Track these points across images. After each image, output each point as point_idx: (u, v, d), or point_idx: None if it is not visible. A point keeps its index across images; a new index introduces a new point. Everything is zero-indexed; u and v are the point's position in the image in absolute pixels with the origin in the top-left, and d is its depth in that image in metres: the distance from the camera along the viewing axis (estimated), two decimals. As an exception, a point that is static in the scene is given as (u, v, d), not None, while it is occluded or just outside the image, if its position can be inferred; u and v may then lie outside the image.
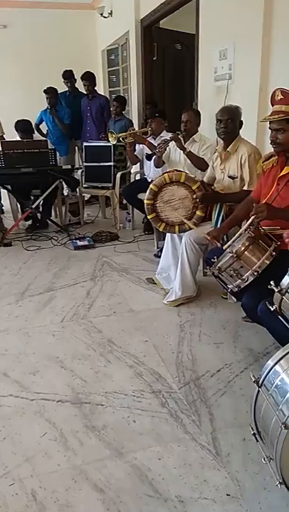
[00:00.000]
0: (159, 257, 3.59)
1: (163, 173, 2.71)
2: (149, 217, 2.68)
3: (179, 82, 6.01)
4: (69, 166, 4.35)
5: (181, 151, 3.31)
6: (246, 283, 1.91)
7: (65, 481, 1.47)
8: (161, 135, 4.03)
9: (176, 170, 2.82)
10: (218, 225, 2.60)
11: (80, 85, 5.69)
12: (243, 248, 1.89)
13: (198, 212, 2.62)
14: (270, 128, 1.98)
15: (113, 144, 4.30)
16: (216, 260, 2.15)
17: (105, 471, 1.51)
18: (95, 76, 5.37)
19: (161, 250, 3.65)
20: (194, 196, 2.59)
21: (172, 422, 1.73)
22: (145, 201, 2.64)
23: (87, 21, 8.04)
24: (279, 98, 1.93)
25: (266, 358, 2.10)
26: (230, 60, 3.46)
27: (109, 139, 4.07)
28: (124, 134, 4.01)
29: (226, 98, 3.54)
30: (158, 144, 3.46)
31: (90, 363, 2.15)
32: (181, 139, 3.37)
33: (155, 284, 3.05)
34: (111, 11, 7.03)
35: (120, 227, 4.49)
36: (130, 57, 6.07)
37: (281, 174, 2.04)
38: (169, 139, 3.35)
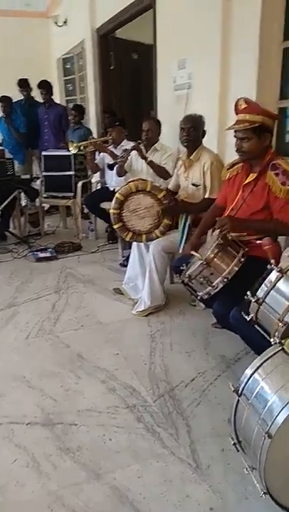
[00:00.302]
0: (125, 266, 3.56)
1: (128, 182, 2.68)
2: (115, 226, 2.63)
3: (136, 92, 6.04)
4: (28, 176, 4.23)
5: (143, 160, 3.31)
6: (216, 290, 1.90)
7: (41, 509, 1.38)
8: (121, 144, 4.01)
9: (141, 179, 2.79)
10: (185, 233, 2.60)
11: (35, 94, 5.59)
12: (212, 255, 1.89)
13: (165, 221, 2.61)
14: (235, 136, 2.00)
15: (73, 153, 4.22)
16: (184, 268, 2.14)
17: (83, 495, 1.43)
18: (52, 85, 5.28)
19: (126, 259, 3.62)
20: (158, 209, 2.58)
21: (149, 437, 1.68)
22: (111, 210, 2.60)
23: (42, 30, 7.95)
24: (243, 107, 1.95)
25: (238, 365, 2.12)
26: (189, 69, 3.50)
27: (70, 148, 3.99)
28: (84, 142, 3.96)
29: (185, 107, 3.58)
30: (120, 154, 3.44)
31: (59, 380, 2.06)
32: (143, 148, 3.37)
33: (122, 294, 3.00)
34: (66, 20, 6.99)
35: (83, 237, 4.40)
36: (87, 66, 6.03)
37: (246, 181, 2.06)
38: (130, 148, 3.34)
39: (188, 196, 2.75)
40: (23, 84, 5.39)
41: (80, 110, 5.07)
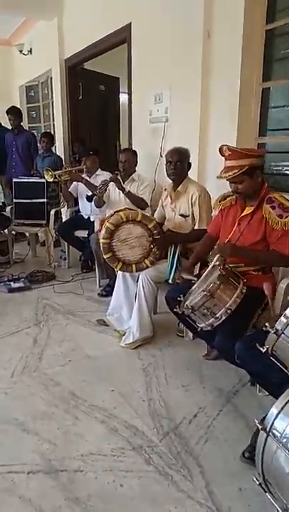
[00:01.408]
0: (104, 296, 3.50)
1: (117, 212, 2.65)
2: (105, 256, 2.58)
3: (104, 122, 6.13)
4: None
5: (121, 191, 3.34)
6: (220, 321, 1.89)
7: None
8: (96, 173, 4.01)
9: (129, 208, 2.78)
10: (174, 263, 2.60)
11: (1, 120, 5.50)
12: (215, 286, 1.89)
13: (154, 250, 2.59)
14: (228, 181, 2.06)
15: (47, 181, 4.15)
16: (181, 299, 2.12)
17: None
18: (21, 111, 5.22)
19: (105, 289, 3.56)
20: (150, 239, 2.57)
21: (162, 480, 1.60)
22: (101, 240, 2.55)
23: (3, 57, 7.91)
24: (228, 154, 2.01)
25: (238, 398, 2.11)
26: (166, 103, 3.60)
27: (46, 177, 3.91)
28: (60, 171, 3.90)
29: (162, 139, 3.67)
30: (97, 184, 3.44)
31: (55, 422, 1.92)
32: (120, 178, 3.40)
33: (107, 325, 2.91)
34: (30, 49, 7.01)
35: (55, 266, 4.28)
36: (54, 95, 6.05)
37: (243, 215, 2.11)
38: (108, 179, 3.36)
39: (175, 226, 2.77)
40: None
41: (50, 138, 5.04)
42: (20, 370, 2.37)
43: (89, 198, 3.56)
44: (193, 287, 2.17)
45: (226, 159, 2.03)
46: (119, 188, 3.36)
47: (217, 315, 1.89)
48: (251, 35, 2.72)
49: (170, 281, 2.61)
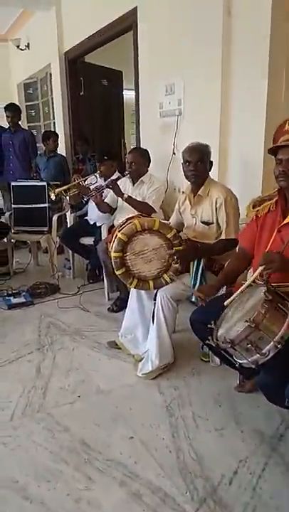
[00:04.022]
0: (114, 311, 3.15)
1: (130, 219, 2.29)
2: (117, 272, 2.21)
3: (107, 119, 5.76)
4: (-3, 210, 3.72)
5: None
6: (267, 358, 1.52)
7: None
8: (111, 178, 3.64)
9: (142, 215, 2.42)
10: (198, 278, 2.23)
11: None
12: (260, 315, 1.51)
13: (174, 264, 2.22)
14: (278, 160, 1.68)
15: (47, 183, 3.79)
16: (213, 326, 1.75)
17: None
18: (20, 109, 4.85)
19: (115, 303, 3.20)
20: (169, 251, 2.20)
21: None
22: (113, 254, 2.17)
23: (0, 53, 7.55)
24: None
25: (284, 445, 1.73)
26: (178, 94, 3.22)
27: (51, 195, 3.54)
28: (66, 186, 3.53)
29: (175, 135, 3.29)
30: (91, 190, 3.13)
31: (64, 485, 1.56)
32: (129, 181, 3.15)
33: (119, 348, 2.55)
34: (28, 44, 6.64)
35: (59, 276, 3.91)
36: (54, 90, 5.68)
37: (285, 222, 1.73)
38: (104, 185, 3.02)
39: (196, 235, 2.40)
40: (-16, 108, 4.94)
41: (56, 137, 4.65)
42: (21, 409, 2.01)
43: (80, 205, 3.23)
44: (226, 311, 1.80)
45: (284, 134, 1.70)
46: (116, 194, 3.02)
47: (264, 350, 1.51)
48: (281, 11, 2.34)
49: (194, 299, 2.24)
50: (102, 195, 3.20)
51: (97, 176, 3.60)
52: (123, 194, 3.00)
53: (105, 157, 3.55)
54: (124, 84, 5.82)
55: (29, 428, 1.87)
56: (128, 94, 6.60)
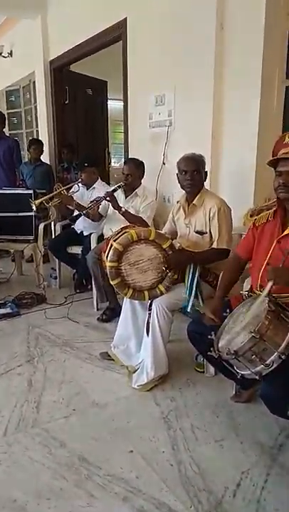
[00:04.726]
0: (104, 321, 3.11)
1: (124, 229, 2.27)
2: (113, 282, 2.18)
3: (92, 128, 5.77)
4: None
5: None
6: (270, 369, 1.52)
7: None
8: (94, 186, 3.62)
9: (133, 225, 2.41)
10: (193, 288, 2.22)
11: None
12: (264, 326, 1.52)
13: (170, 274, 2.21)
14: (278, 172, 1.71)
15: (34, 191, 3.74)
16: (213, 337, 1.75)
17: None
18: (5, 117, 4.78)
19: (104, 313, 3.17)
20: (164, 261, 2.19)
21: None
22: (108, 264, 2.15)
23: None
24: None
25: (284, 455, 1.74)
26: (169, 105, 3.25)
27: (32, 206, 3.50)
28: (48, 196, 3.50)
29: (165, 146, 3.31)
30: (89, 203, 3.11)
31: (65, 502, 1.51)
32: (122, 193, 3.14)
33: (112, 360, 2.51)
34: (11, 51, 6.59)
35: (45, 286, 3.84)
36: (38, 99, 5.64)
37: (285, 233, 1.76)
38: (102, 197, 3.01)
39: (190, 245, 2.40)
40: None
41: (41, 145, 4.60)
42: (14, 425, 1.94)
43: (74, 219, 3.20)
44: (226, 322, 1.81)
45: (282, 148, 1.71)
46: (114, 208, 3.01)
47: (267, 361, 1.51)
48: (274, 27, 2.40)
49: (189, 309, 2.24)
50: (99, 207, 3.17)
51: (79, 184, 3.59)
52: (121, 208, 2.99)
53: (86, 164, 3.53)
54: (110, 92, 5.84)
55: (24, 444, 1.81)
56: (112, 104, 6.65)
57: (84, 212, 3.14)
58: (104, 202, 3.11)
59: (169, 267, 2.21)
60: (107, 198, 2.99)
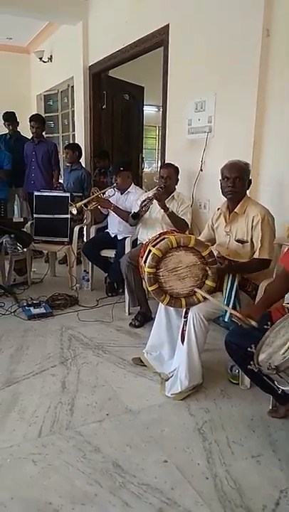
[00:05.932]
0: (136, 326, 3.11)
1: (163, 234, 2.26)
2: (150, 288, 2.17)
3: (127, 133, 5.80)
4: (21, 219, 3.70)
5: (160, 209, 3.03)
6: (315, 386, 1.47)
7: None
8: (128, 190, 3.63)
9: (175, 231, 2.40)
10: (232, 297, 2.18)
11: (21, 128, 5.17)
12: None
13: (208, 282, 2.17)
14: None
15: (71, 194, 3.79)
16: (253, 350, 1.70)
17: None
18: (45, 120, 4.88)
19: (136, 318, 3.16)
20: (203, 269, 2.16)
21: None
22: (146, 269, 2.13)
23: (21, 65, 7.65)
24: None
25: None
26: (209, 111, 3.22)
27: (72, 210, 3.54)
28: (86, 200, 3.54)
29: (204, 152, 3.28)
30: (141, 203, 3.11)
31: (99, 509, 1.49)
32: (117, 191, 3.18)
33: (144, 365, 2.49)
34: (51, 56, 6.73)
35: (77, 288, 3.87)
36: (76, 104, 5.72)
37: None
38: (151, 197, 3.02)
39: (230, 253, 2.37)
40: (9, 117, 4.98)
41: (79, 150, 4.65)
42: (49, 426, 1.95)
43: (135, 215, 3.15)
44: (267, 335, 1.75)
45: None
46: (162, 208, 3.00)
47: (312, 378, 1.46)
48: None
49: (226, 319, 2.19)
50: (148, 209, 3.16)
51: (114, 188, 3.61)
52: (168, 208, 2.99)
53: (121, 168, 3.55)
54: (146, 98, 5.87)
55: (58, 446, 1.81)
56: (147, 110, 6.68)
57: (141, 211, 3.10)
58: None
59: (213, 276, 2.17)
60: (157, 198, 2.98)
